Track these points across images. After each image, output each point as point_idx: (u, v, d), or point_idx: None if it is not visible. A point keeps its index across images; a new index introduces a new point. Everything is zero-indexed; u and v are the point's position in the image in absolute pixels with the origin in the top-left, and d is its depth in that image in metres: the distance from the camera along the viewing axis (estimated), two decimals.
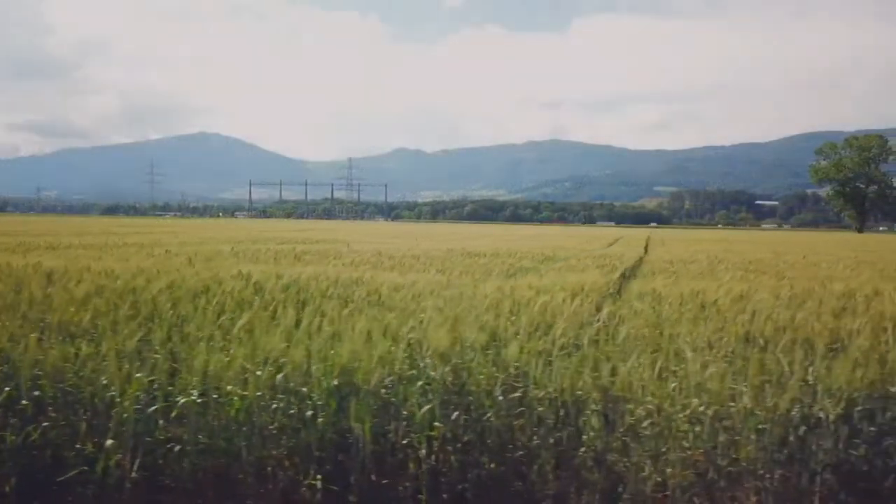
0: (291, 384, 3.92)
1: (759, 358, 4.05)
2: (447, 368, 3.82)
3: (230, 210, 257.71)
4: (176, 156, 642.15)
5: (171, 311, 5.15)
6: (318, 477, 3.64)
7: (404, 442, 3.78)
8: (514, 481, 3.81)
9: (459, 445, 3.81)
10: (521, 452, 3.81)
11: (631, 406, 3.77)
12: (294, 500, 3.74)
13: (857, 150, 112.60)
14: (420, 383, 3.86)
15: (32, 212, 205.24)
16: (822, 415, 3.73)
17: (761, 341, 4.60)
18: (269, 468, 3.82)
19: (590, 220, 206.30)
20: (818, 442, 3.73)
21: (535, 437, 3.76)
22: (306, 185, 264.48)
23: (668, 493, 3.74)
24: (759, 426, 3.71)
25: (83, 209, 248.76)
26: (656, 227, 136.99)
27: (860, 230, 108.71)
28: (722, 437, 3.71)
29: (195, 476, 3.77)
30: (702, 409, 3.71)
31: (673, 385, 3.85)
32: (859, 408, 3.73)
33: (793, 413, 3.72)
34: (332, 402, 3.78)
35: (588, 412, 3.77)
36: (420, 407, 3.78)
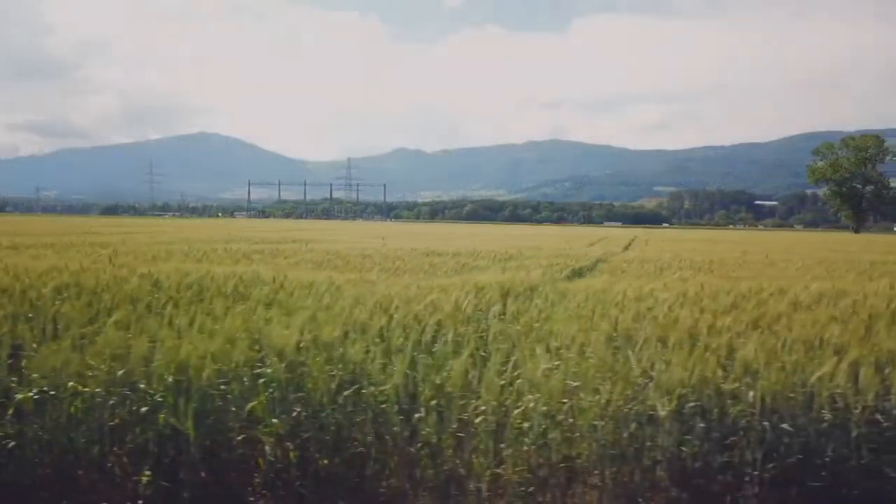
0: (142, 383, 3.94)
1: (604, 355, 4.07)
2: (283, 365, 3.83)
3: (229, 210, 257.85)
4: (176, 156, 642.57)
5: (55, 309, 5.15)
6: (148, 473, 3.66)
7: (240, 438, 3.79)
8: (352, 478, 3.82)
9: (299, 442, 3.83)
10: (360, 449, 3.83)
11: (463, 402, 3.78)
12: (131, 496, 3.76)
13: (853, 151, 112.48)
14: (262, 381, 3.88)
15: (32, 212, 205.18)
16: (656, 411, 3.74)
17: (627, 338, 4.60)
18: (110, 464, 3.83)
19: (589, 221, 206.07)
20: (651, 438, 3.75)
21: (368, 434, 3.78)
22: (305, 185, 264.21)
23: (504, 489, 3.76)
24: (593, 422, 3.73)
25: (83, 209, 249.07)
26: (668, 228, 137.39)
27: (857, 230, 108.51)
28: (555, 434, 3.73)
29: (33, 473, 3.79)
30: (532, 405, 3.73)
31: (514, 382, 3.86)
32: (691, 404, 3.74)
33: (626, 409, 3.74)
34: (170, 397, 3.79)
35: (425, 409, 3.79)
36: (259, 403, 3.80)
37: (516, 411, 3.76)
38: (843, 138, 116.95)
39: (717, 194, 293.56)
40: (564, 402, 3.77)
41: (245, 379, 3.83)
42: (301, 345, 3.95)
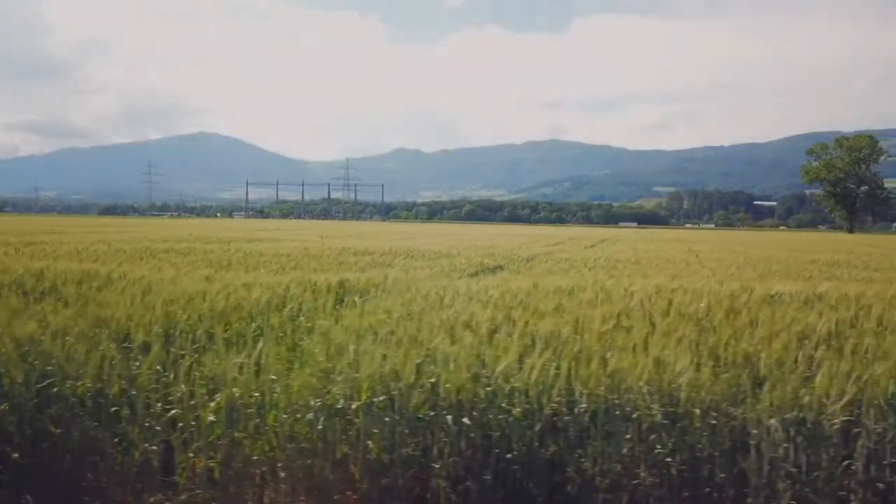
0: None
1: (321, 349, 4.10)
2: None
3: (228, 210, 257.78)
4: (175, 156, 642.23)
5: None
6: None
7: None
8: (53, 470, 3.85)
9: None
10: (59, 442, 3.86)
11: (156, 396, 3.82)
12: None
13: (847, 151, 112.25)
14: None
15: (31, 212, 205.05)
16: (345, 405, 3.77)
17: (372, 334, 4.61)
18: None
19: (588, 221, 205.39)
20: (343, 432, 3.78)
21: (60, 428, 3.81)
22: (303, 185, 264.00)
23: (200, 481, 3.79)
24: (282, 415, 3.76)
25: (82, 209, 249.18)
26: (690, 228, 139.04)
27: (851, 230, 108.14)
28: (244, 427, 3.76)
29: None
30: (220, 399, 3.75)
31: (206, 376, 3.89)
32: (381, 397, 3.76)
33: (314, 403, 3.77)
34: None
35: (117, 403, 3.83)
36: None
37: (212, 404, 3.79)
38: (837, 138, 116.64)
39: (715, 194, 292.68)
40: (254, 396, 3.80)
41: None
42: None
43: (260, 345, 4.11)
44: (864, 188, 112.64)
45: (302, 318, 5.50)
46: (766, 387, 3.73)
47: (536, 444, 3.69)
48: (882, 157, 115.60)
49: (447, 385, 3.72)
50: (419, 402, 3.69)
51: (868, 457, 3.57)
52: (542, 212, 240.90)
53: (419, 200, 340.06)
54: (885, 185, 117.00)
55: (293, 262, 11.72)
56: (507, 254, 17.64)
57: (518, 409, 3.69)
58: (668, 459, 3.63)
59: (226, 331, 4.74)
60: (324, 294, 6.46)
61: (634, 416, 3.69)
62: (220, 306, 5.24)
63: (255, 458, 3.77)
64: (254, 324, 4.99)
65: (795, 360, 4.16)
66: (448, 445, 3.68)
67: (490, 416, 3.71)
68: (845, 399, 3.62)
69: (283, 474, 3.76)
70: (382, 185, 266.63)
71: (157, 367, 3.88)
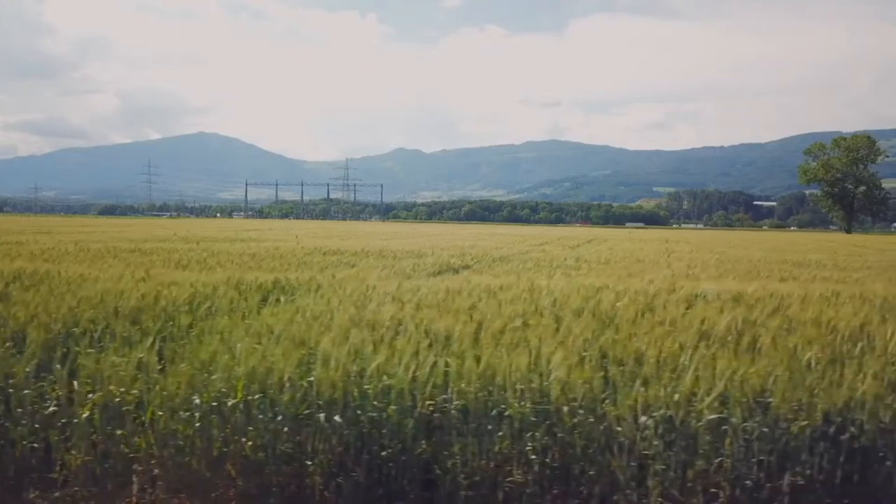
0: None
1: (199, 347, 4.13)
2: None
3: (228, 210, 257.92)
4: (175, 156, 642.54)
5: None
6: None
7: None
8: None
9: None
10: None
11: (31, 394, 3.85)
12: None
13: (845, 151, 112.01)
14: None
15: (31, 212, 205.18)
16: (222, 402, 3.80)
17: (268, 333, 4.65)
18: None
19: (587, 221, 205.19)
20: (221, 429, 3.80)
21: None
22: (302, 185, 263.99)
23: (77, 477, 3.82)
24: (158, 412, 3.79)
25: (82, 209, 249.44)
26: (693, 229, 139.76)
27: (849, 230, 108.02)
28: (119, 424, 3.80)
29: None
30: (94, 396, 3.79)
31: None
32: (257, 395, 3.79)
33: (193, 400, 3.80)
34: None
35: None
36: None
37: (89, 402, 3.82)
38: (834, 139, 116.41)
39: (715, 195, 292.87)
40: (131, 394, 3.82)
41: None
42: None
43: (147, 342, 4.14)
44: (861, 188, 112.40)
45: (225, 317, 5.53)
46: (637, 384, 3.74)
47: (411, 441, 3.71)
48: (880, 158, 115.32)
49: (322, 383, 3.74)
50: (291, 400, 3.72)
51: (735, 454, 3.60)
52: (542, 212, 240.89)
53: (419, 201, 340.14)
54: (883, 185, 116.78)
55: (255, 261, 11.75)
56: (481, 254, 17.66)
57: (392, 407, 3.72)
58: (535, 458, 3.65)
59: (133, 329, 4.76)
60: (251, 293, 6.49)
61: (507, 413, 3.72)
62: (132, 305, 5.26)
63: (132, 455, 3.80)
64: (161, 322, 5.01)
65: (683, 359, 4.17)
66: (322, 443, 3.71)
67: (364, 414, 3.74)
68: (712, 396, 3.64)
69: (158, 471, 3.79)
70: (382, 186, 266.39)
71: (38, 365, 3.90)
